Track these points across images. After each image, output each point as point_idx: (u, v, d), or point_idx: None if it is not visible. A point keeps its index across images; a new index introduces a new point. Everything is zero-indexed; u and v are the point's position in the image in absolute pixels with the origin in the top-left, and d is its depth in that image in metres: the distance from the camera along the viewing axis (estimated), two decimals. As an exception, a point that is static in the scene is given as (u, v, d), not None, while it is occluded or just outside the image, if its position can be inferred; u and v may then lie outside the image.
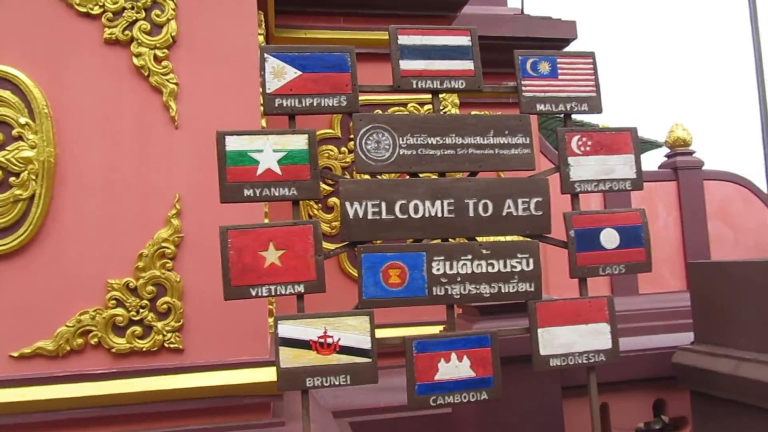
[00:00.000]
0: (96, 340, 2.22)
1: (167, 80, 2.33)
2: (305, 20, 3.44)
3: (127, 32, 2.32)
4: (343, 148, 3.38)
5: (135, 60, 2.32)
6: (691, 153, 5.03)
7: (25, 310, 2.20)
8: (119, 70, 2.33)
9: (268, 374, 2.30)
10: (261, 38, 2.75)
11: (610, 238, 2.05)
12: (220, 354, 2.30)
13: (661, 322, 3.99)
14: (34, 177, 2.20)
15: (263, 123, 2.58)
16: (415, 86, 2.02)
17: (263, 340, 2.36)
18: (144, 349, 2.24)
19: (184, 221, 2.31)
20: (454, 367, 1.89)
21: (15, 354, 2.17)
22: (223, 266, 1.83)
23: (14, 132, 2.22)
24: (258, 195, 1.87)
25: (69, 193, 2.26)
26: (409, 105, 3.46)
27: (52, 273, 2.23)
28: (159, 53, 2.33)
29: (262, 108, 2.51)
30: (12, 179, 2.20)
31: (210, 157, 2.35)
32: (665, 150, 5.21)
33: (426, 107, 3.47)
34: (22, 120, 2.22)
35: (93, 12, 2.30)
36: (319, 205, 3.25)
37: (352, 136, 3.53)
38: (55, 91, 2.27)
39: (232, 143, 1.87)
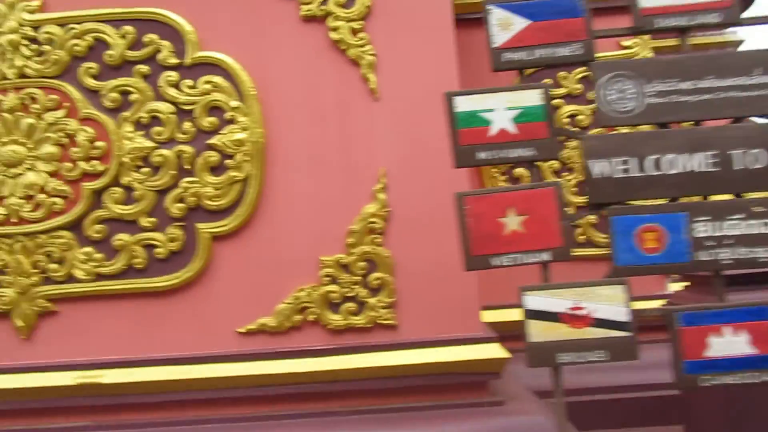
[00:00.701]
0: (314, 316, 2.23)
1: (364, 52, 2.27)
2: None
3: (322, 7, 2.28)
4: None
5: (332, 34, 2.28)
6: None
7: (247, 287, 2.26)
8: (317, 46, 2.30)
9: (482, 351, 2.19)
10: (447, 2, 2.62)
11: None
12: (432, 330, 2.22)
13: None
14: (247, 158, 2.25)
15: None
16: (659, 25, 1.78)
17: (474, 315, 2.25)
18: (359, 326, 2.22)
19: (390, 195, 2.25)
20: (729, 343, 1.64)
21: (242, 330, 2.24)
22: (462, 235, 1.72)
23: (226, 116, 2.27)
24: (493, 157, 1.74)
25: (279, 173, 2.28)
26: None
27: (269, 251, 2.26)
28: (355, 25, 2.27)
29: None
30: (228, 162, 2.26)
31: (411, 128, 2.27)
32: None
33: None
34: (233, 103, 2.26)
35: (289, -10, 2.29)
36: (505, 176, 3.05)
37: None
38: (259, 72, 2.29)
39: (462, 104, 1.75)
